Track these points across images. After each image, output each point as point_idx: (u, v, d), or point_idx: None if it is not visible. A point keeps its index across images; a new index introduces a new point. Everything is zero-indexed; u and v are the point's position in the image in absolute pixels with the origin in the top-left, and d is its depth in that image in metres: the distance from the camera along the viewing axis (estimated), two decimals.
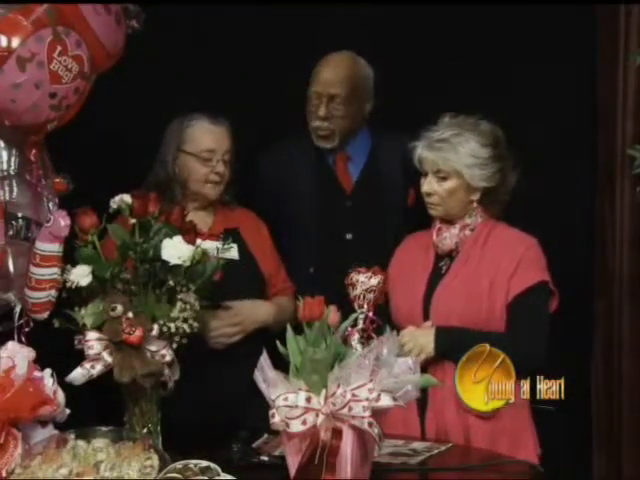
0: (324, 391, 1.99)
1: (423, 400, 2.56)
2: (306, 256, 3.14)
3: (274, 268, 2.98)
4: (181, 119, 2.89)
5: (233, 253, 2.79)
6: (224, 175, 2.87)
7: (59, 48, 2.33)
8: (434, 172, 2.70)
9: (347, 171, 3.19)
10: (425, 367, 2.50)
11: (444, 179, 2.69)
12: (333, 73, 3.08)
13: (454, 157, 2.66)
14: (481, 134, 2.68)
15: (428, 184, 2.72)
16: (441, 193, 2.70)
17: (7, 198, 2.47)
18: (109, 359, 2.31)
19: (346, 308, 2.40)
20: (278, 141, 3.25)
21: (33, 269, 2.43)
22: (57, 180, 2.56)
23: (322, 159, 3.19)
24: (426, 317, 2.68)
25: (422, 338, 2.61)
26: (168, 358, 2.36)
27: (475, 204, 2.71)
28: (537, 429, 2.68)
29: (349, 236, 3.15)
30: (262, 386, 2.03)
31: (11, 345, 2.30)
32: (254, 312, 2.86)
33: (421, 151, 2.71)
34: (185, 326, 2.34)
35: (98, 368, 2.32)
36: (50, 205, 2.55)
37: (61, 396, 2.28)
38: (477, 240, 2.71)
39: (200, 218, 2.76)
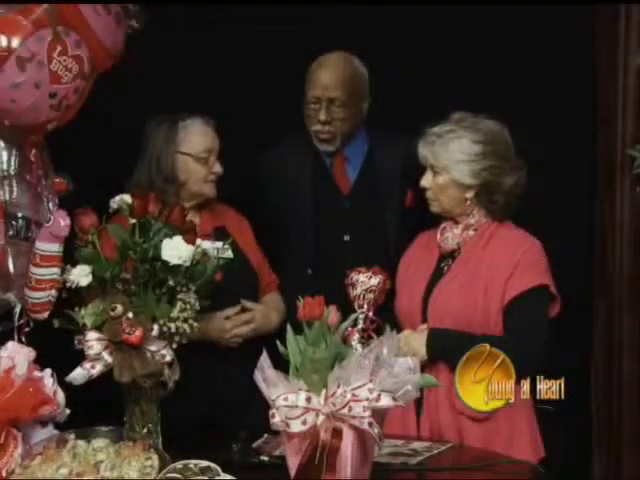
0: (324, 391, 1.99)
1: (419, 400, 2.56)
2: (304, 257, 3.13)
3: (260, 262, 3.00)
4: (170, 119, 2.88)
5: (229, 252, 2.80)
6: (220, 174, 2.89)
7: (59, 48, 2.33)
8: (430, 167, 2.71)
9: (345, 172, 3.18)
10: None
11: (437, 174, 2.70)
12: (331, 76, 3.06)
13: (444, 153, 2.67)
14: (476, 131, 2.68)
15: (425, 179, 2.74)
16: (434, 188, 2.72)
17: (7, 198, 2.47)
18: (109, 359, 2.31)
19: (346, 308, 2.40)
20: (276, 142, 3.25)
21: (33, 269, 2.43)
22: (57, 180, 2.57)
23: (319, 160, 3.18)
24: (424, 317, 2.69)
25: (415, 342, 2.61)
26: (168, 358, 2.36)
27: (469, 202, 2.70)
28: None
29: (347, 237, 3.15)
30: (262, 386, 2.03)
31: (11, 345, 2.30)
32: (268, 319, 2.88)
33: (419, 146, 2.72)
34: (185, 326, 2.34)
35: (98, 368, 2.32)
36: (50, 205, 2.56)
37: (61, 396, 2.28)
38: (479, 241, 2.71)
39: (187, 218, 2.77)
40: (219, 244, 2.73)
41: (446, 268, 2.73)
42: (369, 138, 3.19)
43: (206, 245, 2.50)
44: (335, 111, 3.06)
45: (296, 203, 3.14)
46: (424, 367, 2.55)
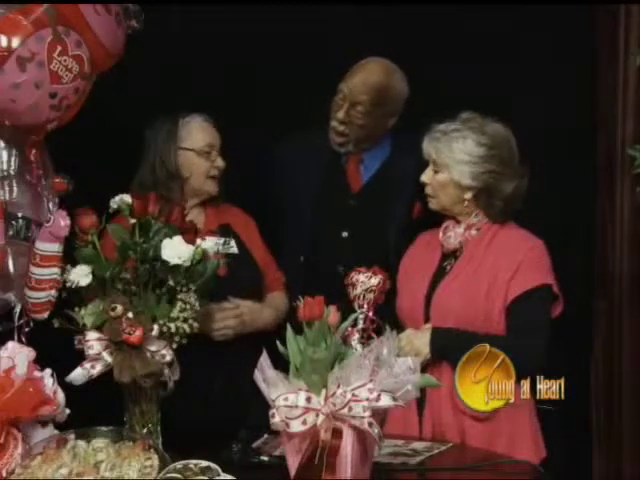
0: (324, 391, 1.98)
1: (422, 399, 2.56)
2: (299, 244, 3.15)
3: (266, 260, 3.02)
4: (173, 117, 2.93)
5: (233, 249, 2.81)
6: (222, 169, 2.93)
7: (59, 48, 2.33)
8: (432, 163, 2.71)
9: (358, 172, 3.19)
10: (422, 367, 2.50)
11: (437, 171, 2.71)
12: (363, 80, 3.06)
13: (447, 151, 2.67)
14: (482, 133, 2.67)
15: (425, 174, 2.74)
16: (434, 185, 2.72)
17: (7, 198, 2.47)
18: (109, 359, 2.31)
19: (342, 302, 2.39)
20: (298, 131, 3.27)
21: (33, 269, 2.43)
22: (57, 180, 2.57)
23: (335, 154, 3.19)
24: (426, 317, 2.69)
25: (418, 341, 2.61)
26: (168, 358, 2.36)
27: (467, 203, 2.70)
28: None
29: (345, 234, 3.15)
30: (262, 386, 2.03)
31: (11, 345, 2.29)
32: (257, 315, 2.89)
33: (424, 141, 2.73)
34: (185, 326, 2.34)
35: (98, 368, 2.32)
36: (50, 205, 2.56)
37: (61, 396, 2.28)
38: (482, 240, 2.70)
39: (193, 216, 2.77)
40: (222, 240, 2.73)
41: (448, 267, 2.73)
42: (392, 147, 3.18)
43: (209, 241, 2.50)
44: (355, 115, 3.07)
45: (302, 192, 3.16)
46: (427, 366, 2.56)
